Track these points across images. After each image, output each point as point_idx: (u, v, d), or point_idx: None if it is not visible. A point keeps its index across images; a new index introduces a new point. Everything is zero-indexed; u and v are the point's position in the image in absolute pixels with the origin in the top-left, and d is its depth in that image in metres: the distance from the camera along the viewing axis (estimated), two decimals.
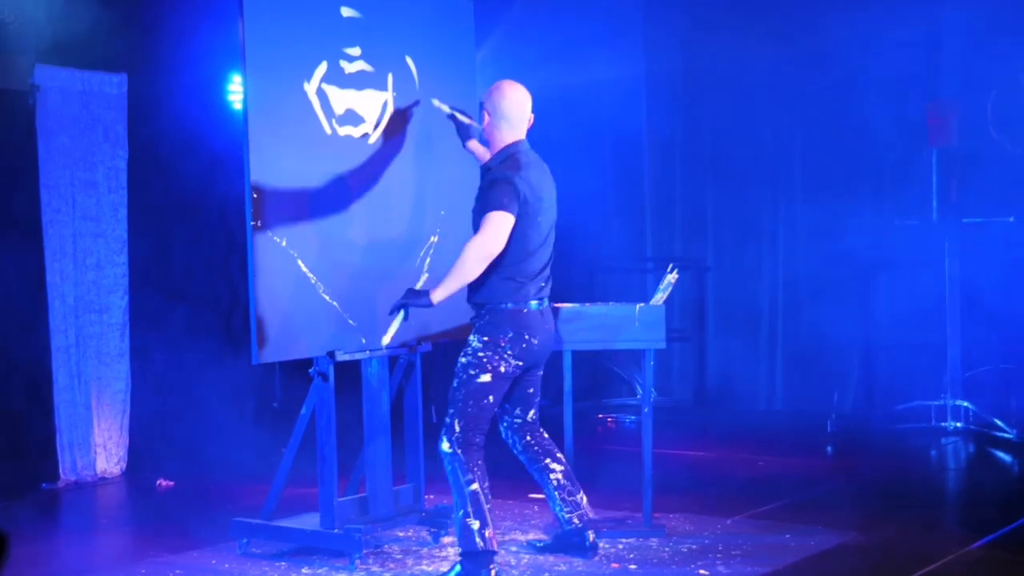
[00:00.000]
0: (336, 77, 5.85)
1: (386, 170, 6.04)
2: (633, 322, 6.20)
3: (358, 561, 5.76)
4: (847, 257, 9.58)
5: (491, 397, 5.52)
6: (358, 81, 5.93)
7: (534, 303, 5.56)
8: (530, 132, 8.66)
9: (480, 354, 5.50)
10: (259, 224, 5.52)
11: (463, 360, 5.53)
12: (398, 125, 6.10)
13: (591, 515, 5.91)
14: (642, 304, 6.23)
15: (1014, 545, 6.09)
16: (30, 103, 7.58)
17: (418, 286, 6.05)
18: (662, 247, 10.65)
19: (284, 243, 5.61)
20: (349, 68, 5.90)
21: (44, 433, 7.72)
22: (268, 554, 6.01)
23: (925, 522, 6.56)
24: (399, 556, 5.95)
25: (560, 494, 5.80)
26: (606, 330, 6.22)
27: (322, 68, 5.78)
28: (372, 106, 5.99)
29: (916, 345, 9.28)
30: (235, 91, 8.28)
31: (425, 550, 6.08)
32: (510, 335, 5.50)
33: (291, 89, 5.68)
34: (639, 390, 10.32)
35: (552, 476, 5.80)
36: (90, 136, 7.87)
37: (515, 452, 5.91)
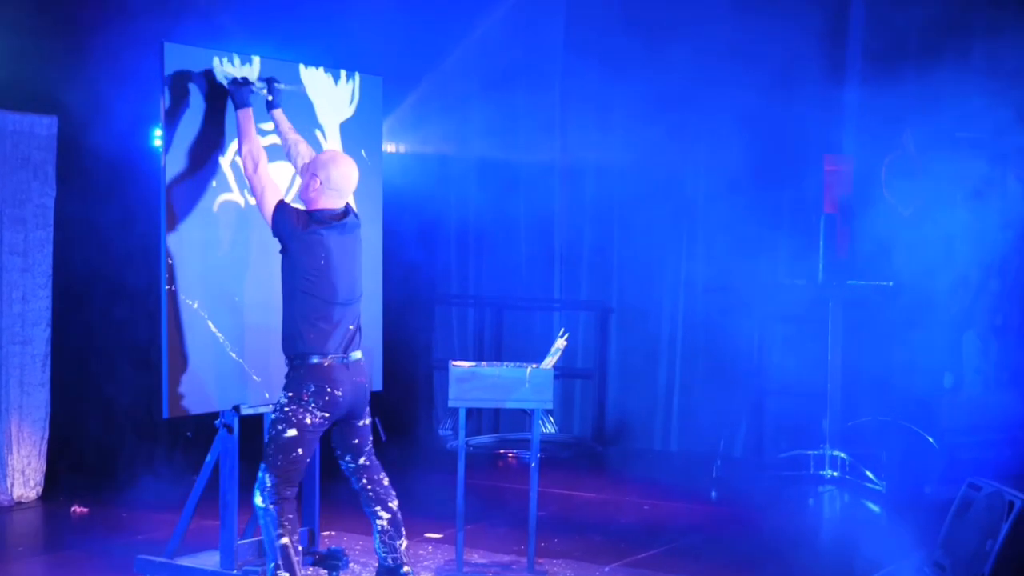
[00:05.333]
0: None
1: None
2: (523, 383, 6.66)
3: None
4: (741, 310, 10.12)
5: (300, 450, 5.84)
6: (270, 154, 6.33)
7: (331, 356, 5.85)
8: (460, 172, 9.10)
9: (286, 409, 5.81)
10: (173, 288, 5.94)
11: (273, 416, 5.86)
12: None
13: (405, 560, 6.21)
14: (533, 366, 6.69)
15: None
16: None
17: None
18: (569, 289, 11.16)
19: (196, 305, 6.03)
20: (262, 142, 6.32)
21: None
22: None
23: (791, 573, 7.05)
24: None
25: (382, 537, 6.17)
26: (498, 390, 6.69)
27: (236, 143, 6.19)
28: (283, 177, 6.41)
29: (801, 395, 9.83)
30: (160, 136, 8.63)
31: None
32: (312, 389, 5.82)
33: (207, 163, 6.09)
34: (546, 425, 10.81)
35: (379, 521, 6.16)
36: (20, 175, 8.23)
37: (355, 489, 6.23)
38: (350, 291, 5.96)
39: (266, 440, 5.90)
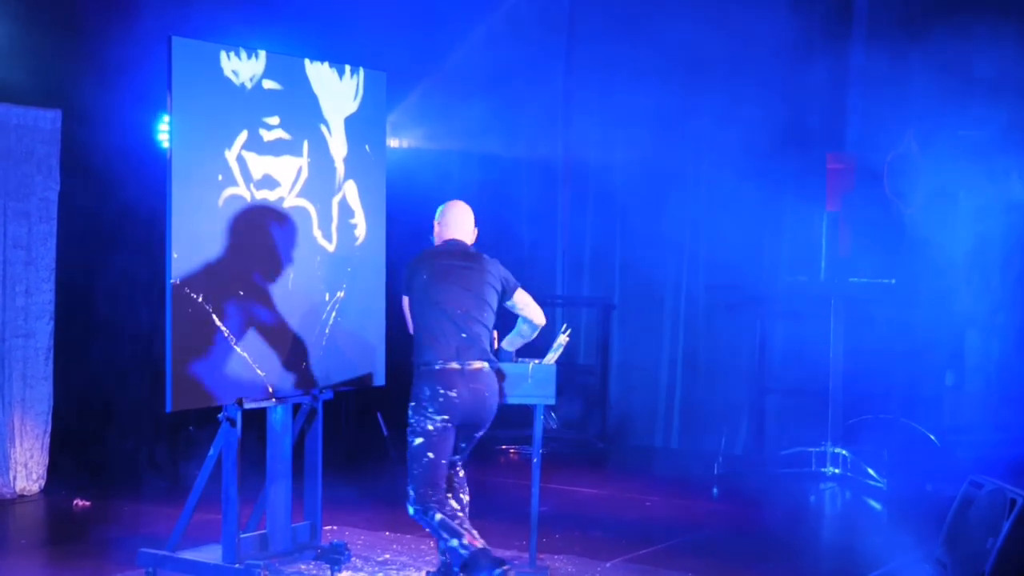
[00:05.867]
0: (255, 144, 6.28)
1: (299, 230, 6.48)
2: (526, 379, 6.67)
3: None
4: (743, 307, 10.13)
5: (430, 455, 6.04)
6: (276, 148, 6.37)
7: (448, 362, 6.08)
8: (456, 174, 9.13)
9: (412, 420, 6.09)
10: (178, 281, 5.95)
11: (408, 429, 6.12)
12: (311, 188, 6.55)
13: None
14: (536, 362, 6.70)
15: None
16: None
17: (323, 342, 6.54)
18: (571, 286, 11.17)
19: (200, 299, 6.04)
20: (268, 136, 6.34)
21: None
22: None
23: (790, 571, 7.06)
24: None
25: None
26: None
27: (243, 136, 6.22)
28: (288, 171, 6.43)
29: (803, 393, 9.84)
30: (164, 130, 8.66)
31: None
32: (427, 393, 6.05)
33: (213, 156, 6.10)
34: (548, 422, 10.82)
35: (455, 504, 6.19)
36: (24, 168, 8.24)
37: None
38: (457, 305, 6.18)
39: (407, 452, 6.11)
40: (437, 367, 6.07)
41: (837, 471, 9.35)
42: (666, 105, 10.16)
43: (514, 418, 10.94)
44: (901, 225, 9.43)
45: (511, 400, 6.84)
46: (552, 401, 6.76)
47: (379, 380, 6.96)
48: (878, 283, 9.38)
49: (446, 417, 6.06)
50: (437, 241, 6.45)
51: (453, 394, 6.06)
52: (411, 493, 6.05)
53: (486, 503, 8.02)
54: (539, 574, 6.72)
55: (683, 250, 10.64)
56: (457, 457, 6.31)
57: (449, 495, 6.23)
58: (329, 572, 6.65)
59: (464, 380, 6.10)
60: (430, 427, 6.04)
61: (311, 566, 6.74)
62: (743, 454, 10.15)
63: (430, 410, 6.04)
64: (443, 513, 6.00)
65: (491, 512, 7.88)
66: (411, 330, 6.27)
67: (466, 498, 6.38)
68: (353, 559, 6.83)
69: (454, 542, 5.95)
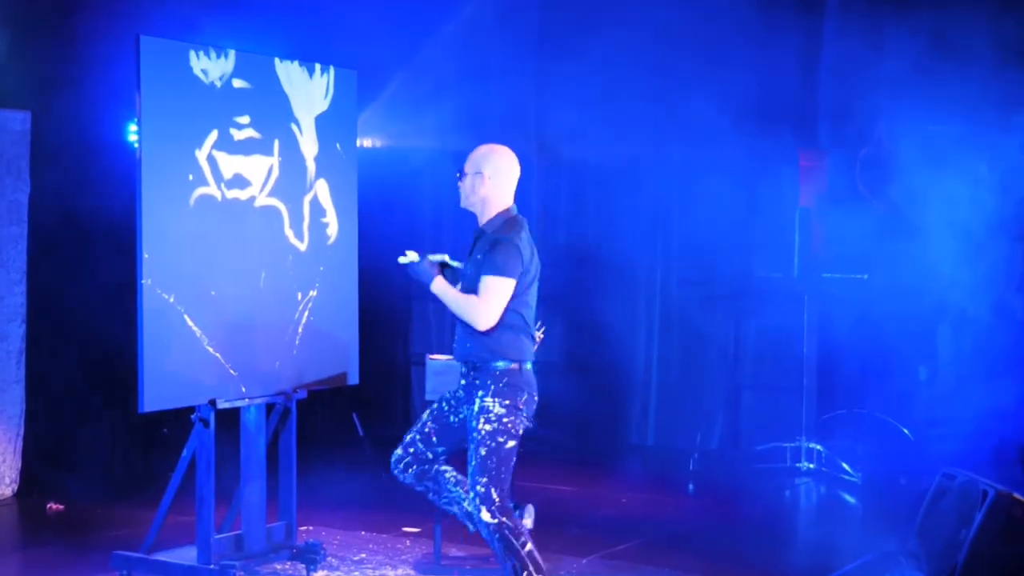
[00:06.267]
0: (226, 144, 6.27)
1: (270, 230, 6.46)
2: None
3: None
4: (717, 304, 10.16)
5: (513, 460, 5.62)
6: (246, 147, 6.35)
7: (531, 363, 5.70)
8: (436, 168, 9.05)
9: (505, 420, 5.54)
10: (149, 282, 5.93)
11: (488, 428, 5.52)
12: (282, 188, 6.53)
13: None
14: None
15: None
16: None
17: (297, 341, 6.52)
18: (545, 284, 11.12)
19: (172, 299, 6.02)
20: (238, 135, 6.32)
21: None
22: None
23: (766, 565, 7.09)
24: None
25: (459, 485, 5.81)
26: None
27: (213, 136, 6.20)
28: (259, 171, 6.42)
29: (777, 388, 9.88)
30: (135, 131, 8.63)
31: None
32: (525, 397, 5.61)
33: (183, 156, 6.08)
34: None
35: (448, 475, 5.83)
36: None
37: (407, 482, 5.97)
38: (537, 295, 5.79)
39: (483, 453, 5.52)
40: (528, 367, 5.67)
41: (812, 466, 9.38)
42: (639, 101, 10.17)
43: None
44: (874, 221, 9.46)
45: None
46: None
47: (353, 379, 6.94)
48: (851, 278, 9.42)
49: (528, 423, 5.66)
50: (500, 205, 5.65)
51: (536, 398, 5.71)
52: (495, 498, 5.49)
53: None
54: None
55: (656, 247, 10.65)
56: None
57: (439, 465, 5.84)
58: (305, 572, 6.64)
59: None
60: (522, 431, 5.61)
61: (287, 566, 6.73)
62: (718, 450, 10.17)
63: (525, 413, 5.59)
64: (531, 543, 5.57)
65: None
66: (494, 320, 5.57)
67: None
68: (329, 558, 6.83)
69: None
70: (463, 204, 5.78)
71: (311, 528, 7.41)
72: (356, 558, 6.93)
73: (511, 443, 5.55)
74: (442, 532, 6.80)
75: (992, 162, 8.94)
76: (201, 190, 6.17)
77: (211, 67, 6.18)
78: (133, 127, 8.66)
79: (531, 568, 5.53)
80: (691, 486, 9.24)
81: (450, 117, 10.73)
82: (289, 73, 6.58)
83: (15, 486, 8.39)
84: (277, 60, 6.55)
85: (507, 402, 5.55)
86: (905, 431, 9.24)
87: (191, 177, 6.12)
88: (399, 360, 11.12)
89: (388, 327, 10.50)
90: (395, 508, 7.71)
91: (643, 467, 9.86)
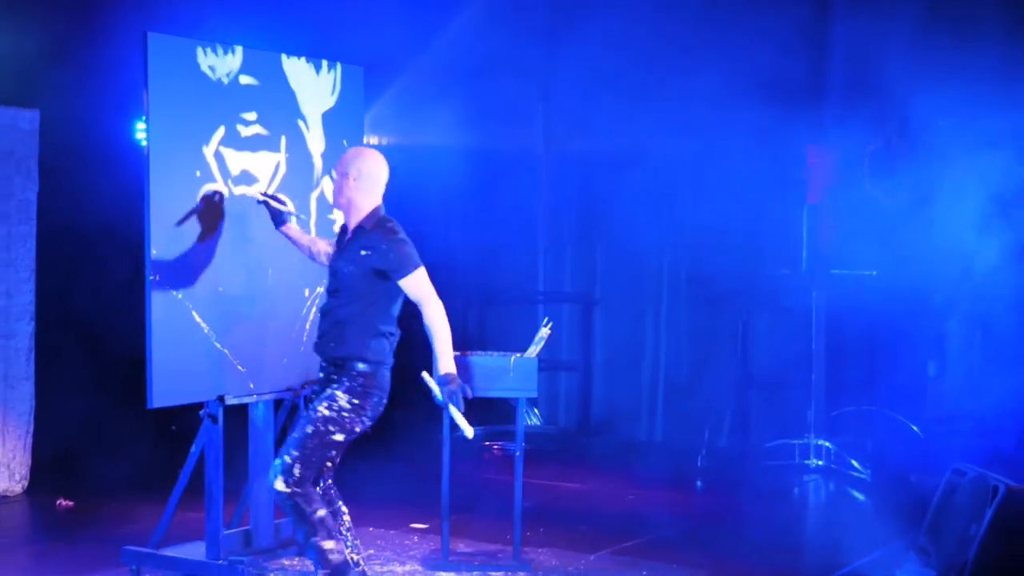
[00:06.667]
0: (233, 140, 6.27)
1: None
2: (508, 372, 6.68)
3: None
4: (725, 300, 10.15)
5: (335, 451, 5.77)
6: (253, 144, 6.36)
7: (391, 364, 5.87)
8: (443, 164, 8.99)
9: (345, 414, 5.69)
10: (157, 278, 5.94)
11: (324, 412, 5.67)
12: (290, 184, 6.53)
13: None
14: (517, 355, 6.71)
15: None
16: None
17: (304, 337, 6.52)
18: (552, 281, 11.17)
19: (180, 296, 6.03)
20: (245, 132, 6.33)
21: None
22: None
23: (775, 562, 7.06)
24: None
25: (351, 535, 5.96)
26: (482, 379, 6.70)
27: (220, 132, 6.21)
28: (266, 167, 6.42)
29: (785, 385, 9.86)
30: (142, 128, 8.64)
31: None
32: (374, 400, 5.78)
33: (191, 153, 6.09)
34: (531, 418, 10.82)
35: (345, 518, 5.98)
36: (2, 169, 8.21)
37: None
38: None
39: (308, 431, 5.65)
40: (385, 371, 5.84)
41: (821, 463, 9.37)
42: (647, 98, 10.17)
43: (496, 414, 11.00)
44: (882, 217, 9.44)
45: (492, 394, 6.86)
46: (534, 394, 6.77)
47: None
48: (860, 275, 9.40)
49: (369, 425, 5.82)
50: (367, 206, 5.83)
51: (386, 400, 5.87)
52: (296, 473, 5.59)
53: (468, 498, 8.03)
54: (523, 568, 6.72)
55: (665, 244, 10.65)
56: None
57: (340, 502, 5.98)
58: (312, 568, 6.63)
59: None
60: (359, 430, 5.78)
61: (295, 562, 6.73)
62: (727, 447, 10.15)
63: (369, 414, 5.77)
64: (328, 511, 5.72)
65: (473, 507, 7.90)
66: (434, 308, 5.87)
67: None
68: None
69: (329, 543, 5.65)
70: (332, 203, 6.01)
71: None
72: (364, 554, 6.92)
73: (339, 436, 5.69)
74: (450, 528, 6.79)
75: (1001, 158, 8.92)
76: (209, 187, 6.18)
77: (218, 64, 6.19)
78: (141, 125, 8.68)
79: (320, 531, 5.64)
80: (699, 483, 9.23)
81: (457, 113, 10.74)
82: (296, 69, 6.59)
83: (25, 483, 8.41)
84: (284, 56, 6.55)
85: (355, 402, 5.71)
86: (914, 428, 9.22)
87: (198, 174, 6.13)
88: (405, 359, 11.07)
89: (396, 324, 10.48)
90: (403, 504, 7.73)
91: (651, 464, 9.83)
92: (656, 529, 7.73)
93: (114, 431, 8.84)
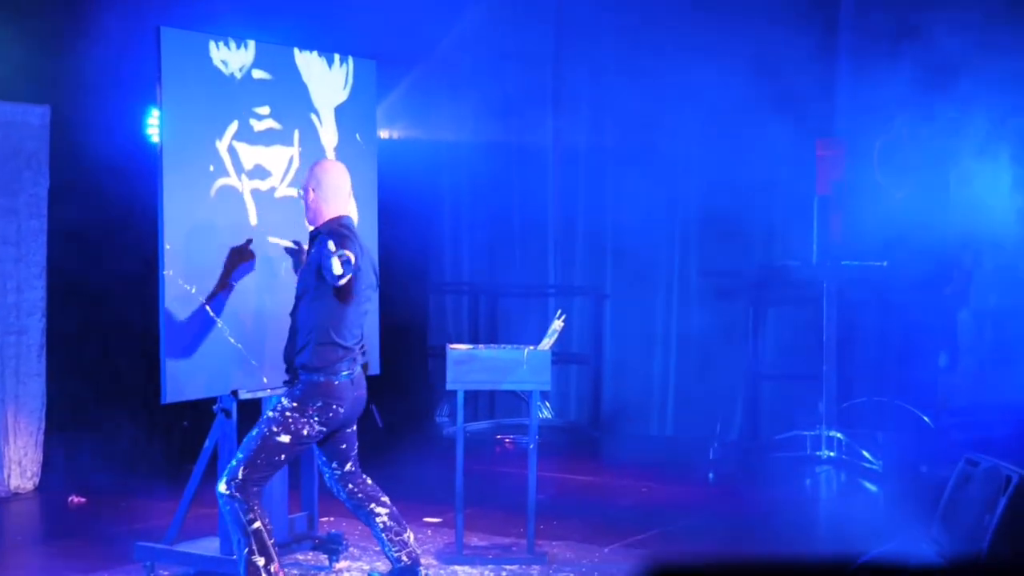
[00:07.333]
0: (246, 134, 6.28)
1: (290, 220, 6.46)
2: (521, 365, 6.67)
3: None
4: (736, 293, 10.15)
5: (283, 456, 5.76)
6: (266, 138, 6.36)
7: (344, 373, 5.79)
8: (453, 158, 8.91)
9: (287, 414, 5.73)
10: (171, 272, 5.94)
11: (270, 414, 5.78)
12: (303, 178, 6.52)
13: (419, 551, 6.13)
14: (530, 348, 6.70)
15: None
16: None
17: None
18: (563, 275, 11.17)
19: (194, 290, 6.03)
20: (258, 126, 6.33)
21: None
22: None
23: (789, 553, 7.05)
24: None
25: (387, 535, 6.03)
26: (496, 372, 6.69)
27: (233, 127, 6.21)
28: (279, 161, 6.42)
29: (796, 377, 9.86)
30: (153, 124, 8.64)
31: (322, 574, 6.53)
32: (319, 404, 5.75)
33: (204, 147, 6.09)
34: (541, 410, 10.82)
35: (378, 520, 6.03)
36: (12, 164, 8.20)
37: (340, 499, 6.13)
38: (364, 306, 5.93)
39: (253, 433, 5.75)
40: (338, 381, 5.77)
41: (832, 454, 9.36)
42: (656, 90, 10.16)
43: (507, 407, 11.02)
44: (892, 208, 9.43)
45: (505, 386, 6.87)
46: (548, 387, 6.78)
47: (373, 369, 6.94)
48: (870, 266, 9.39)
49: (324, 429, 5.83)
50: (328, 214, 5.81)
51: (340, 409, 5.84)
52: (239, 476, 5.66)
53: (481, 492, 8.03)
54: (538, 560, 6.72)
55: (675, 236, 10.65)
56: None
57: (372, 504, 6.01)
58: (327, 562, 6.65)
59: (353, 388, 5.91)
60: (307, 433, 5.77)
61: (309, 557, 6.75)
62: (738, 439, 10.16)
63: (316, 418, 5.75)
64: (263, 524, 5.70)
65: (486, 501, 7.91)
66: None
67: (387, 499, 6.10)
68: (350, 549, 6.84)
69: (261, 560, 5.65)
70: (306, 218, 5.98)
71: (332, 519, 7.41)
72: (378, 548, 6.91)
73: (284, 437, 5.72)
74: (464, 522, 6.80)
75: (1013, 148, 8.91)
76: (222, 181, 6.18)
77: (231, 58, 6.18)
78: (151, 119, 8.67)
79: (254, 545, 5.67)
80: (711, 475, 9.23)
81: (468, 107, 10.73)
82: (308, 63, 6.59)
83: (37, 479, 8.41)
84: (296, 51, 6.55)
85: (295, 404, 5.74)
86: (925, 419, 9.21)
87: (212, 168, 6.13)
88: (416, 353, 11.11)
89: (406, 320, 10.49)
90: (416, 498, 7.71)
91: (663, 457, 9.84)
92: (669, 522, 7.73)
93: (126, 426, 8.83)
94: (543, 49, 10.97)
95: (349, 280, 5.58)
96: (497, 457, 10.00)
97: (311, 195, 5.86)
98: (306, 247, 6.12)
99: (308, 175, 5.93)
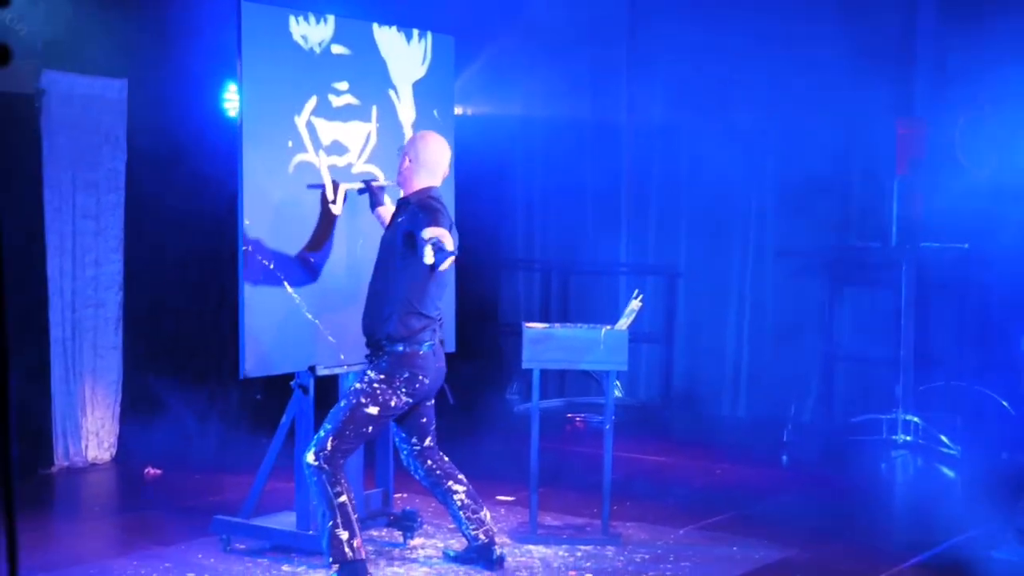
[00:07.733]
0: (324, 110, 6.26)
1: (366, 197, 6.43)
2: (598, 345, 6.61)
3: None
4: (811, 273, 10.03)
5: (371, 428, 5.83)
6: (344, 114, 6.34)
7: (427, 344, 5.85)
8: (527, 135, 8.82)
9: (375, 386, 5.80)
10: (250, 248, 5.94)
11: (358, 386, 5.85)
12: (380, 154, 6.51)
13: (495, 529, 6.20)
14: (608, 327, 6.64)
15: (945, 564, 6.47)
16: (35, 106, 7.93)
17: None
18: (635, 254, 11.09)
19: (272, 266, 6.03)
20: (337, 102, 6.31)
21: (41, 420, 8.10)
22: (250, 551, 6.42)
23: (865, 539, 6.96)
24: (372, 556, 6.36)
25: (465, 513, 6.10)
26: (572, 351, 6.64)
27: (312, 102, 6.19)
28: (357, 137, 6.40)
29: (873, 360, 9.73)
30: (230, 98, 8.66)
31: (397, 551, 6.52)
32: (406, 375, 5.81)
33: (283, 122, 6.08)
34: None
35: (456, 497, 6.10)
36: (91, 139, 8.25)
37: (417, 477, 6.21)
38: (447, 279, 6.01)
39: (342, 405, 5.85)
40: (423, 351, 5.84)
41: (909, 438, 9.23)
42: (732, 68, 10.05)
43: (577, 386, 10.96)
44: (974, 189, 9.26)
45: (582, 366, 6.82)
46: (624, 367, 6.71)
47: (449, 347, 6.91)
48: (951, 247, 9.23)
49: (410, 400, 5.90)
50: (418, 184, 5.87)
51: (426, 380, 5.91)
52: (328, 447, 5.72)
53: (552, 471, 7.99)
54: (612, 541, 6.68)
55: (750, 216, 10.53)
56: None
57: (450, 482, 6.09)
58: (401, 539, 6.65)
59: (435, 359, 5.98)
60: (395, 404, 5.84)
61: (383, 533, 6.75)
62: (812, 422, 10.04)
63: (404, 389, 5.84)
64: (348, 498, 5.75)
65: (558, 480, 7.87)
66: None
67: (464, 477, 6.20)
68: (425, 526, 6.84)
69: (344, 534, 5.68)
70: (396, 182, 6.06)
71: (407, 495, 7.42)
72: (451, 525, 6.91)
73: (372, 409, 5.78)
74: (538, 501, 6.76)
75: None
76: (300, 157, 6.17)
77: (311, 32, 6.16)
78: (228, 94, 8.69)
79: (338, 519, 5.69)
80: (785, 458, 9.13)
81: (543, 83, 10.67)
82: (387, 39, 6.56)
83: (113, 451, 8.49)
84: (375, 26, 6.52)
85: (383, 376, 5.80)
86: (1005, 404, 9.06)
87: (290, 144, 6.12)
88: (488, 331, 11.10)
89: (479, 297, 10.48)
90: (489, 477, 7.70)
91: (736, 439, 9.75)
92: (744, 505, 7.65)
93: (202, 400, 8.88)
94: (618, 24, 10.88)
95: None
96: (568, 436, 9.95)
97: (406, 163, 5.90)
98: (388, 202, 6.20)
99: (409, 142, 5.99)
